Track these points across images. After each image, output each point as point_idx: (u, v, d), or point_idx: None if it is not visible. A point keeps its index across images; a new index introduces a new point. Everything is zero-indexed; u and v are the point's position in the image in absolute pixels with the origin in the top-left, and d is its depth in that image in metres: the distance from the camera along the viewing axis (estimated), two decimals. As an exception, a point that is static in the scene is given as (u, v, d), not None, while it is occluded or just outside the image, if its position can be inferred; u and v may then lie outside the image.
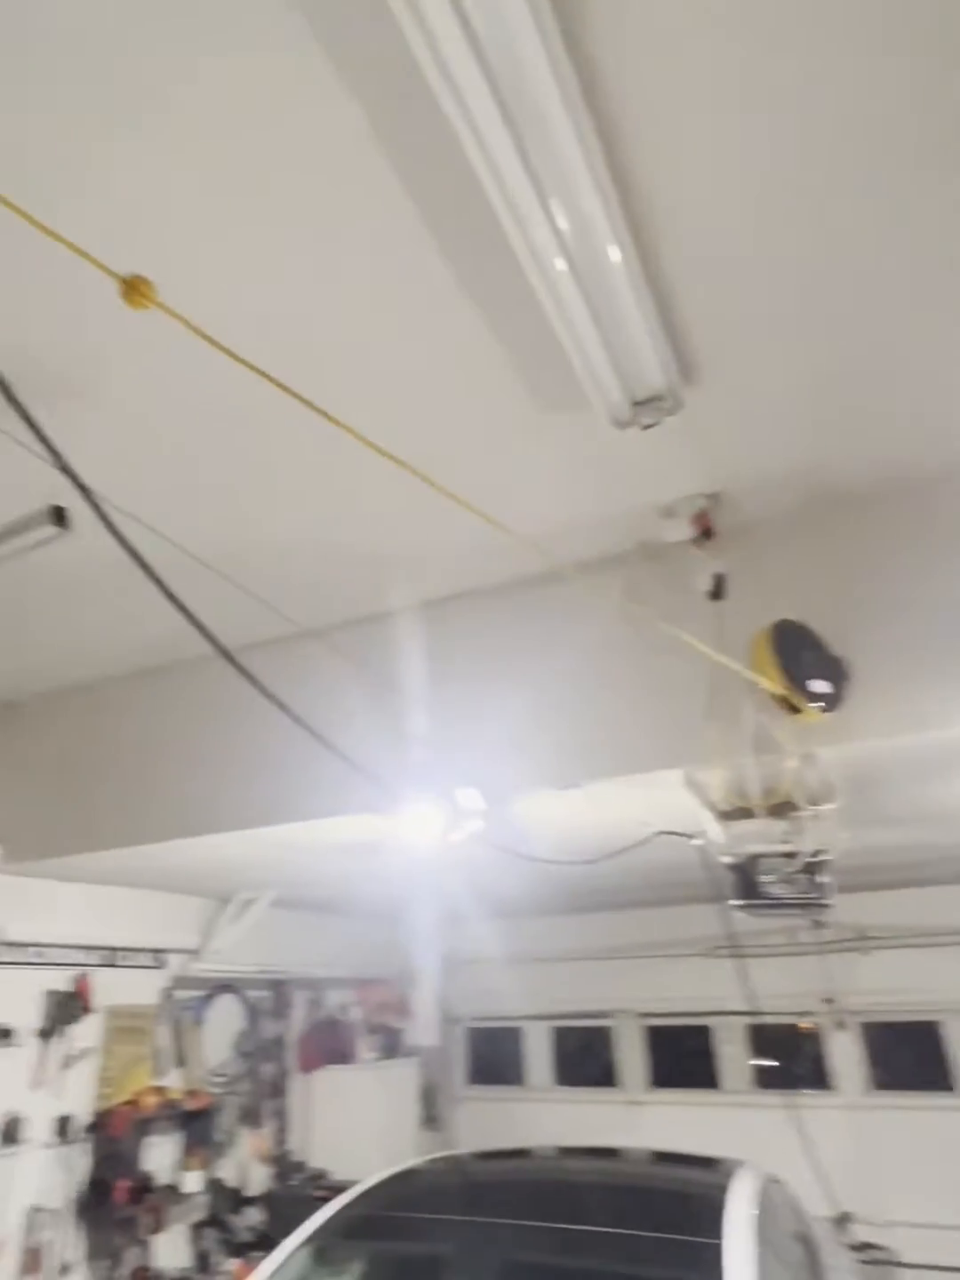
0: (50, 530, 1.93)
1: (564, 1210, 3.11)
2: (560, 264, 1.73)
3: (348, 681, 3.02)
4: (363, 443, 1.59)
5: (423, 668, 2.95)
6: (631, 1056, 6.28)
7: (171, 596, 1.71)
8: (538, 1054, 6.58)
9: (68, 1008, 4.28)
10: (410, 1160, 3.97)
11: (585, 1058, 6.45)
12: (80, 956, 4.44)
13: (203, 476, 2.56)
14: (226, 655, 1.97)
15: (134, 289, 1.32)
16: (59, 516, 1.91)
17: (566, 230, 1.65)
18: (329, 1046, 5.91)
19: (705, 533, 2.64)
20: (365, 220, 1.74)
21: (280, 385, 1.48)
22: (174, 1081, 4.79)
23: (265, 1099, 5.43)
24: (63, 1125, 4.14)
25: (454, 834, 2.84)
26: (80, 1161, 4.16)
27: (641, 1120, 5.97)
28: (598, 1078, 6.33)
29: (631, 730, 2.78)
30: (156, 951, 4.89)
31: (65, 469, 1.52)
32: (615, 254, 1.73)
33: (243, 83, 1.52)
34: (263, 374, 1.46)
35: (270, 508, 2.75)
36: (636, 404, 2.07)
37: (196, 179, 1.67)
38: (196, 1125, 4.77)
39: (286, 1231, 3.15)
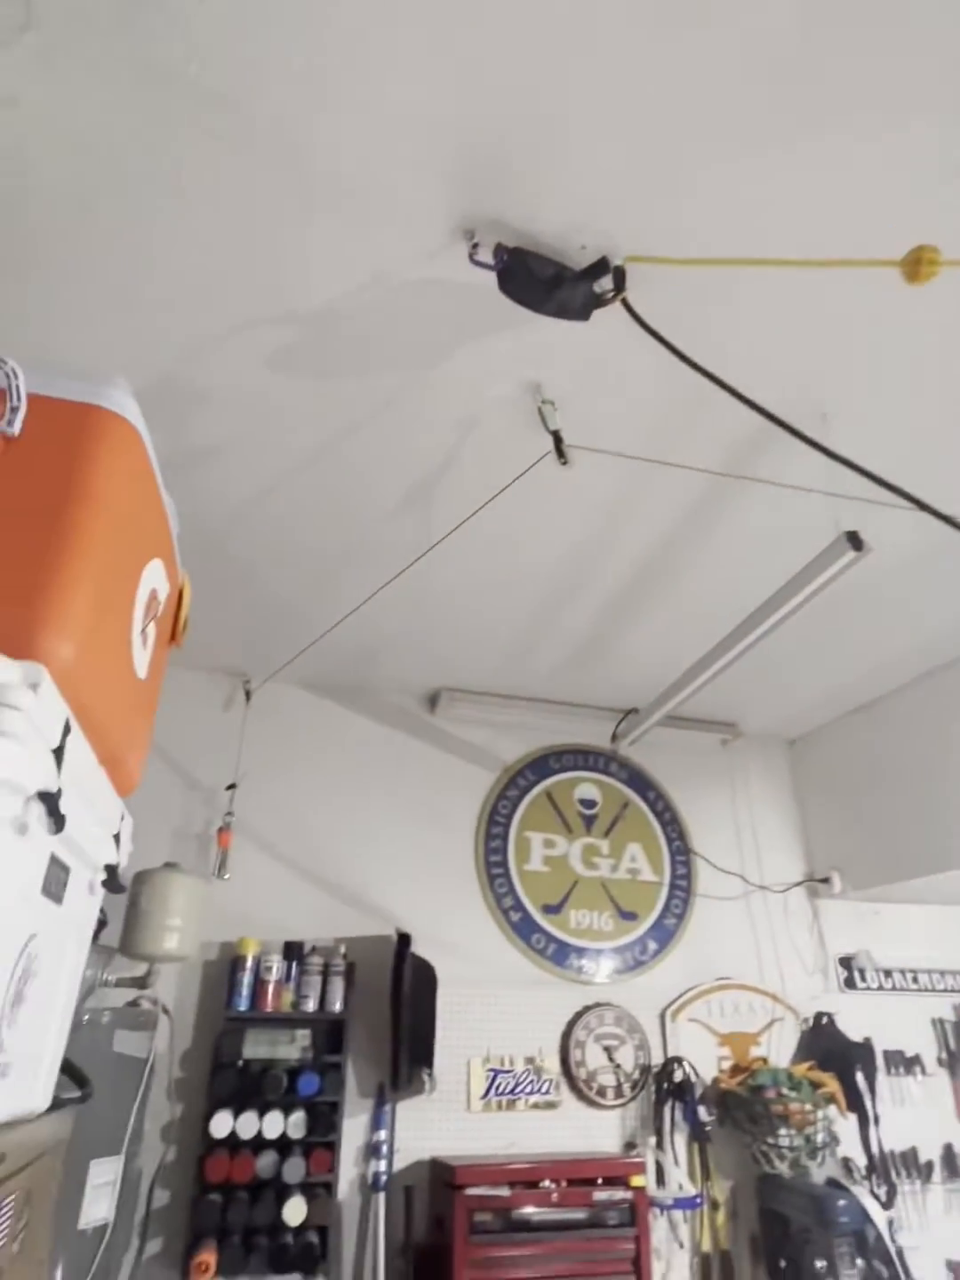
0: (850, 555, 1.92)
1: None
2: None
3: None
4: None
5: None
6: None
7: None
8: None
9: (961, 1037, 4.06)
10: None
11: None
12: (952, 982, 4.21)
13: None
14: None
15: (918, 261, 1.22)
16: (856, 541, 1.90)
17: None
18: None
19: None
20: None
21: None
22: None
23: None
24: (1009, 1166, 3.85)
25: None
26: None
27: None
28: None
29: None
30: (1035, 976, 4.34)
31: (882, 483, 1.49)
32: None
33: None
34: None
35: None
36: None
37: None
38: None
39: None
